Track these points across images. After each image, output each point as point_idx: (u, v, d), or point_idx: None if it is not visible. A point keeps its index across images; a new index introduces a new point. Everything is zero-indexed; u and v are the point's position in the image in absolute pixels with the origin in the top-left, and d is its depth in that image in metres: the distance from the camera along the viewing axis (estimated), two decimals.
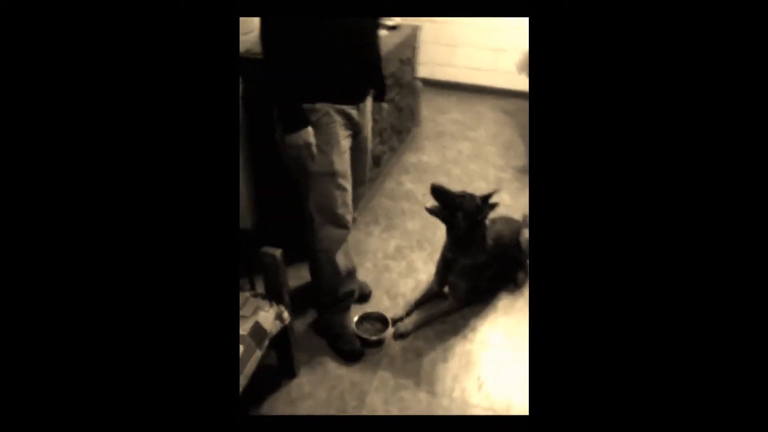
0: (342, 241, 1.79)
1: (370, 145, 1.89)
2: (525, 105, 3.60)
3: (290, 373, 1.81)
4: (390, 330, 1.98)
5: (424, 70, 4.35)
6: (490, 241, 2.06)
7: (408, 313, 2.09)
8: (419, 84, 3.46)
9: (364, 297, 2.14)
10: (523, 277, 2.28)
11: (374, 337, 1.94)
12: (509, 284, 2.26)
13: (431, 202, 1.97)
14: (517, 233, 2.24)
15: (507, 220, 2.31)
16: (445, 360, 1.90)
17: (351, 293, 1.94)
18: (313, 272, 1.89)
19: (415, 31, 3.18)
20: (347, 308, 1.97)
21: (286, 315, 1.61)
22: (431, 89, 4.34)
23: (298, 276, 2.23)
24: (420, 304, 2.14)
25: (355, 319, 2.00)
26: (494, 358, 1.92)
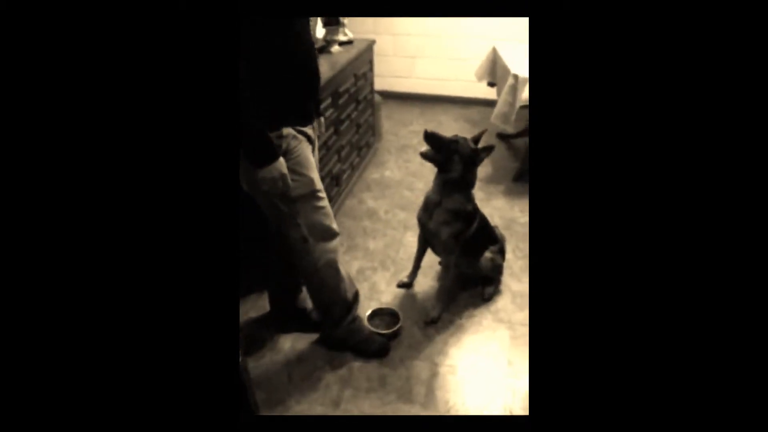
0: (337, 249, 1.78)
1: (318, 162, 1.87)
2: (487, 113, 3.57)
3: (247, 415, 1.70)
4: (400, 324, 2.04)
5: (383, 83, 4.32)
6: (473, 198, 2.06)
7: (413, 273, 2.29)
8: (378, 98, 3.40)
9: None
10: (491, 291, 2.23)
11: (387, 331, 2.01)
12: (477, 298, 2.20)
13: (425, 148, 1.95)
14: (489, 225, 2.23)
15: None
16: (410, 387, 1.82)
17: (357, 293, 1.96)
18: (316, 291, 1.84)
19: (370, 45, 3.12)
20: (356, 312, 1.96)
21: None
22: (392, 102, 4.30)
23: (256, 307, 2.13)
24: (419, 260, 2.28)
25: (367, 314, 2.07)
26: (462, 382, 1.84)
